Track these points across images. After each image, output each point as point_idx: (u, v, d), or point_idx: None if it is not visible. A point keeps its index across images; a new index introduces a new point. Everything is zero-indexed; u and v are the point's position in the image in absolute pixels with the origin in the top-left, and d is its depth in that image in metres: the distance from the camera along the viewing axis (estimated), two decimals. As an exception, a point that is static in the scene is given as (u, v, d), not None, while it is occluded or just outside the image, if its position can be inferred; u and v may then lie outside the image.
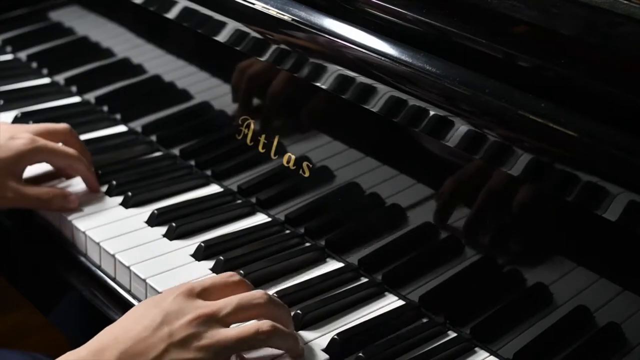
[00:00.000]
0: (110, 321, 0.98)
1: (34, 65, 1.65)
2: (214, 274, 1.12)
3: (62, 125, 1.29)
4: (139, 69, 1.46)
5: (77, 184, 1.29)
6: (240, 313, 0.97)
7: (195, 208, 1.26)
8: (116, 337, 0.93)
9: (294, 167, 1.21)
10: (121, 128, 1.48)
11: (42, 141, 1.24)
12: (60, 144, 1.26)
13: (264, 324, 0.96)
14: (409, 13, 1.09)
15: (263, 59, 1.22)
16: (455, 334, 1.07)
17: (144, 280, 1.12)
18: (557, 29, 1.00)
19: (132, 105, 1.49)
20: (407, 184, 1.10)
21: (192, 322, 0.93)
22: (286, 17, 1.18)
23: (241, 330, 0.95)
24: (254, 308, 0.98)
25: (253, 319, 0.98)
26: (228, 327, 0.96)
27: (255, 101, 1.28)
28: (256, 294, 0.99)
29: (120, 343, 0.92)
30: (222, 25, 1.27)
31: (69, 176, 1.30)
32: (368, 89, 1.09)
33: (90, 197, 1.28)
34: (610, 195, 0.89)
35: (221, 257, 1.14)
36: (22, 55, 1.68)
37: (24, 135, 1.23)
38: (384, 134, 1.11)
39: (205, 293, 0.98)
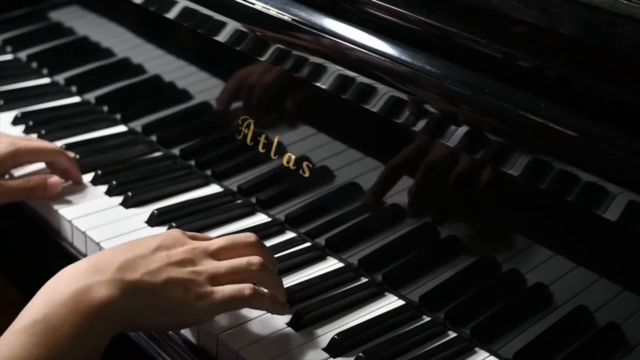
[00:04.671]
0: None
1: (34, 65, 1.65)
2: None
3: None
4: (139, 69, 1.46)
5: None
6: (231, 250, 1.02)
7: (195, 208, 1.26)
8: (114, 254, 0.97)
9: (294, 167, 1.21)
10: (121, 128, 1.48)
11: (22, 142, 1.27)
12: (40, 141, 1.29)
13: (255, 258, 1.02)
14: (409, 13, 1.09)
15: (263, 59, 1.22)
16: (455, 334, 1.07)
17: (144, 280, 1.11)
18: (557, 29, 1.00)
19: (132, 105, 1.49)
20: (407, 184, 1.10)
21: (187, 250, 1.00)
22: (286, 17, 1.18)
23: (233, 262, 1.01)
24: (245, 246, 1.03)
25: (242, 256, 1.02)
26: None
27: (256, 101, 1.28)
28: (247, 234, 1.05)
29: (120, 256, 0.96)
30: (222, 25, 1.27)
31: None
32: (368, 89, 1.09)
33: (91, 196, 1.28)
34: (610, 195, 0.89)
35: (221, 257, 1.14)
36: (22, 55, 1.68)
37: (4, 139, 1.26)
38: (384, 134, 1.11)
39: (194, 237, 1.04)
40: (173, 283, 0.95)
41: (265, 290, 1.02)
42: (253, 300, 1.00)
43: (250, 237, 1.04)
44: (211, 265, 0.99)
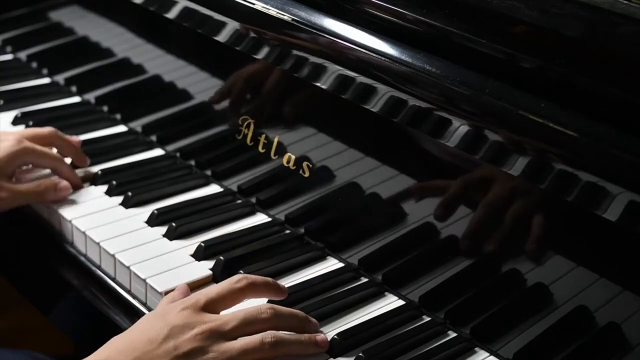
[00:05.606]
0: (110, 321, 0.98)
1: (34, 65, 1.65)
2: (218, 283, 1.06)
3: (47, 129, 1.33)
4: (139, 69, 1.46)
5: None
6: (246, 327, 0.97)
7: (195, 208, 1.26)
8: (121, 350, 0.93)
9: (294, 167, 1.21)
10: (121, 128, 1.48)
11: (29, 143, 1.27)
12: (45, 148, 1.29)
13: (268, 335, 0.97)
14: (409, 13, 1.09)
15: (263, 59, 1.22)
16: (455, 334, 1.07)
17: (144, 280, 1.12)
18: (557, 29, 1.00)
19: (132, 105, 1.49)
20: (407, 184, 1.10)
21: (197, 336, 0.94)
22: (286, 17, 1.18)
23: (245, 343, 0.96)
24: (260, 323, 0.98)
25: (259, 332, 0.98)
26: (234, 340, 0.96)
27: (255, 101, 1.28)
28: (262, 308, 1.00)
29: (125, 355, 0.92)
30: (222, 25, 1.27)
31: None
32: (368, 89, 1.09)
33: (91, 196, 1.28)
34: (610, 195, 0.89)
35: (221, 257, 1.14)
36: (22, 55, 1.68)
37: (11, 137, 1.27)
38: (384, 134, 1.11)
39: (211, 305, 0.99)
40: None
41: None
42: None
43: (265, 312, 0.99)
44: (222, 350, 0.94)
